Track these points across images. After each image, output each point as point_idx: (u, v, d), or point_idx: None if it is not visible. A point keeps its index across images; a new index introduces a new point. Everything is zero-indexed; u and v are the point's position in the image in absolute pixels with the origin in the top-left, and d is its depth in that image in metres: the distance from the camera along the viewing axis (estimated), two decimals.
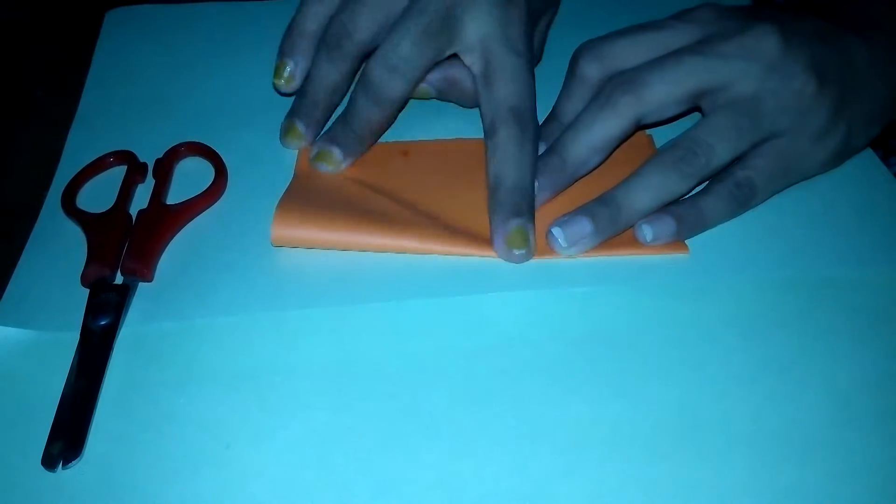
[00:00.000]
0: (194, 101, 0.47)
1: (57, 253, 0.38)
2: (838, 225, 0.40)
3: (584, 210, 0.38)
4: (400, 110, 0.42)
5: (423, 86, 0.43)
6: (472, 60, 0.40)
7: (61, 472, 0.31)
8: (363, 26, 0.40)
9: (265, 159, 0.43)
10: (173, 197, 0.41)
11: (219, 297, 0.36)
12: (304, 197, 0.39)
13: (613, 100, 0.38)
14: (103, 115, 0.46)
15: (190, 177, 0.42)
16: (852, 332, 0.36)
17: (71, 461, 0.31)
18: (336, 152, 0.41)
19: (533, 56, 0.41)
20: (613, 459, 0.31)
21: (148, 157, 0.43)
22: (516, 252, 0.37)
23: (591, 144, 0.39)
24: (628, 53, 0.40)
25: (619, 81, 0.38)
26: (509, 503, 0.30)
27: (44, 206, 0.41)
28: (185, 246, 0.39)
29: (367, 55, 0.41)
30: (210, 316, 0.36)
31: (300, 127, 0.42)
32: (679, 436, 0.32)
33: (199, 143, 0.43)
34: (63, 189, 0.41)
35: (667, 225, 0.38)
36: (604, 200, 0.38)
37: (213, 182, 0.41)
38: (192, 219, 0.40)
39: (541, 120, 0.42)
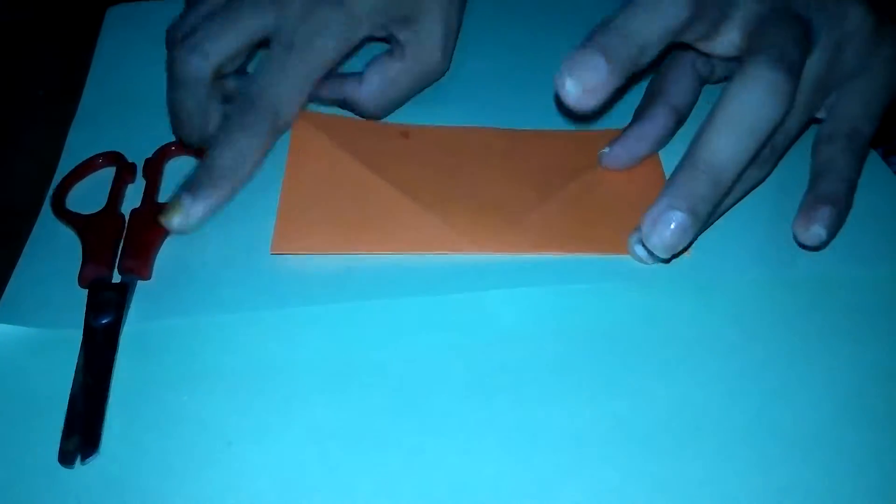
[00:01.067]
0: None
1: (57, 251, 0.38)
2: None
3: (668, 197, 0.33)
4: (206, 96, 0.40)
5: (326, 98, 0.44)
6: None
7: (63, 470, 0.31)
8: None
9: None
10: (164, 195, 0.41)
11: (218, 294, 0.37)
12: (303, 197, 0.39)
13: None
14: (104, 114, 0.46)
15: (180, 175, 0.41)
16: (853, 332, 0.36)
17: (88, 456, 0.31)
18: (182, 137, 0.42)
19: (317, 59, 0.40)
20: (614, 457, 0.31)
21: (149, 155, 0.43)
22: (165, 220, 0.37)
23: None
24: None
25: None
26: (511, 500, 0.30)
27: (44, 205, 0.41)
28: (179, 244, 0.39)
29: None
30: (210, 313, 0.36)
31: None
32: (680, 433, 0.32)
33: None
34: (52, 193, 0.41)
35: (830, 215, 0.36)
36: (692, 167, 0.33)
37: None
38: None
39: None
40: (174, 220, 0.37)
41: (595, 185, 0.41)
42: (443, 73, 0.46)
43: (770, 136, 0.33)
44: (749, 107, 0.33)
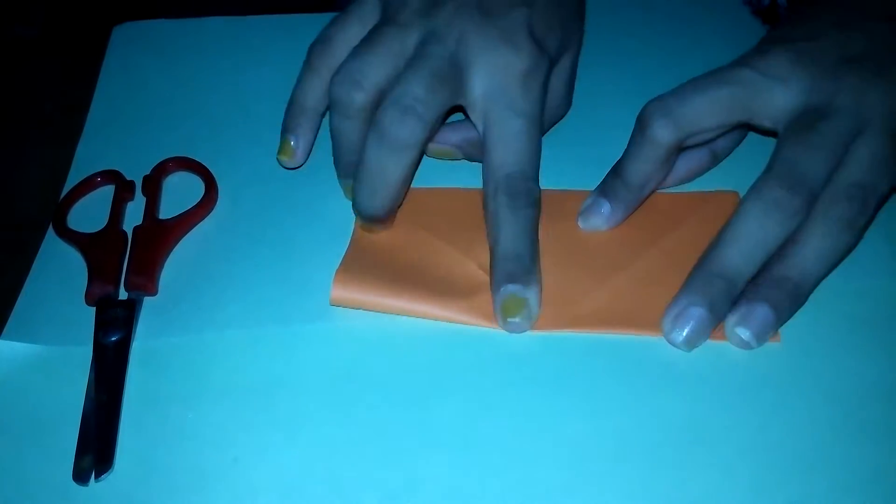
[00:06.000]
0: (202, 115, 0.47)
1: (66, 268, 0.39)
2: None
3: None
4: (418, 162, 0.38)
5: (450, 147, 0.43)
6: (475, 119, 0.39)
7: (70, 486, 0.31)
8: (371, 74, 0.38)
9: (267, 174, 0.44)
10: (164, 212, 0.42)
11: (224, 310, 0.37)
12: (363, 258, 0.39)
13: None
14: (111, 131, 0.47)
15: (178, 191, 0.43)
16: (856, 343, 0.36)
17: (102, 474, 0.31)
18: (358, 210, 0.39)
19: (539, 111, 0.39)
20: (618, 472, 0.31)
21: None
22: (510, 320, 0.35)
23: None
24: (705, 114, 0.38)
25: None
26: None
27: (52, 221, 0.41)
28: (183, 259, 0.39)
29: (376, 107, 0.38)
30: (216, 329, 0.36)
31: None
32: (684, 448, 0.32)
33: (185, 157, 0.44)
34: (53, 212, 0.41)
35: (762, 316, 0.35)
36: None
37: (204, 195, 0.42)
38: (187, 232, 0.41)
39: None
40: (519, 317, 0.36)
41: (676, 256, 0.38)
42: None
43: (777, 247, 0.35)
44: (756, 225, 0.35)
